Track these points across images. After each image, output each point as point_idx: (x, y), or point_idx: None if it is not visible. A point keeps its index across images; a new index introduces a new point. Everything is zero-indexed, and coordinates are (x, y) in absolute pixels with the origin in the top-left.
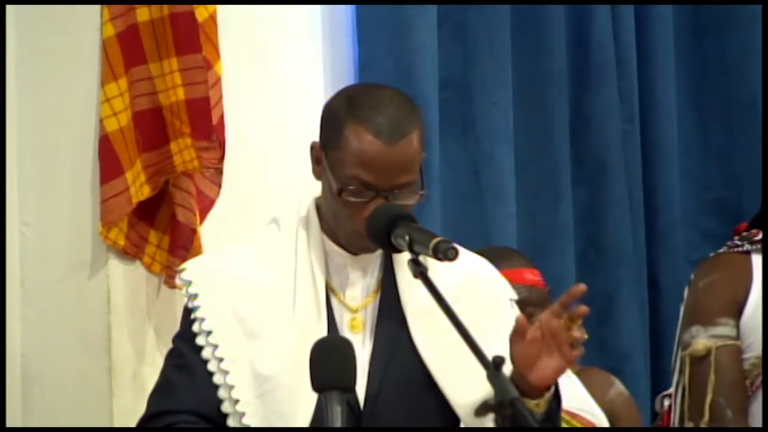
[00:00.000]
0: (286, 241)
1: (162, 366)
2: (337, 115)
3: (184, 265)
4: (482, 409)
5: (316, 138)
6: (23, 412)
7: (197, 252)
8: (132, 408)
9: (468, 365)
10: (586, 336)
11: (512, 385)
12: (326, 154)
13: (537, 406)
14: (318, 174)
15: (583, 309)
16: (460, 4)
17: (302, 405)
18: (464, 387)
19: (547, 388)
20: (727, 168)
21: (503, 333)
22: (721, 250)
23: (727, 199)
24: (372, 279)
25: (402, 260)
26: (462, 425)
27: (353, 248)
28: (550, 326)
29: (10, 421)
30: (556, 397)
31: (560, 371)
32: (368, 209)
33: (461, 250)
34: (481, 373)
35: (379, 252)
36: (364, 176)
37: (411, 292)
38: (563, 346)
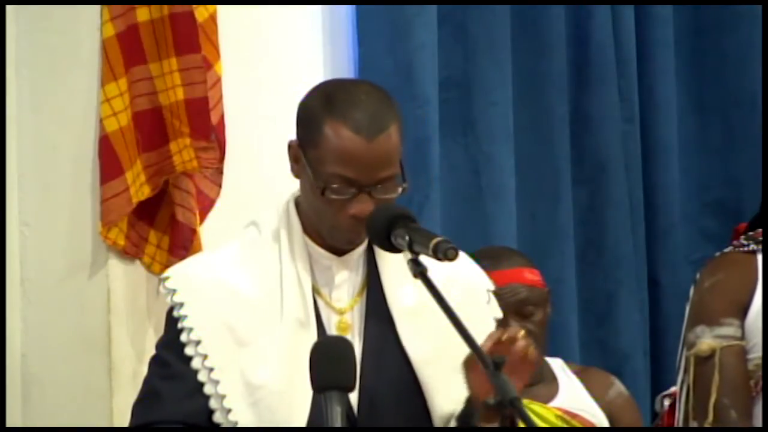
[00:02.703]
0: (268, 245)
1: (146, 375)
2: (314, 113)
3: (167, 273)
4: (481, 409)
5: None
6: (23, 412)
7: (197, 252)
8: (131, 408)
9: (453, 365)
10: (532, 350)
11: (512, 385)
12: (305, 153)
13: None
14: (297, 172)
15: (513, 330)
16: (460, 4)
17: (296, 411)
18: (445, 394)
19: None
20: (727, 168)
21: (484, 325)
22: (727, 250)
23: (727, 199)
24: (357, 279)
25: (386, 259)
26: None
27: (338, 244)
28: (498, 349)
29: (10, 421)
30: None
31: (519, 389)
32: (351, 206)
33: None
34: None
35: (362, 251)
36: (346, 173)
37: (397, 291)
38: (516, 364)
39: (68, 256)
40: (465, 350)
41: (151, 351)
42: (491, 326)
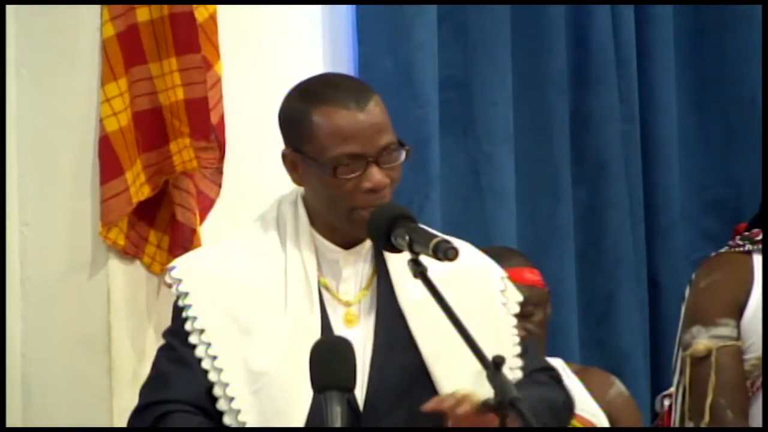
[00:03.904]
0: (274, 237)
1: (153, 361)
2: (298, 110)
3: (173, 263)
4: (482, 409)
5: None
6: (23, 412)
7: None
8: (132, 408)
9: (462, 359)
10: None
11: (512, 384)
12: (302, 152)
13: None
14: (298, 179)
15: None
16: (460, 4)
17: (298, 400)
18: (455, 384)
19: None
20: (727, 168)
21: (504, 313)
22: (723, 250)
23: (727, 199)
24: (365, 272)
25: (393, 254)
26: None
27: (356, 230)
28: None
29: (10, 421)
30: None
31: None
32: (364, 181)
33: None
34: (475, 367)
35: (369, 245)
36: (350, 149)
37: (405, 285)
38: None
39: (68, 256)
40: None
41: (151, 351)
42: (513, 311)
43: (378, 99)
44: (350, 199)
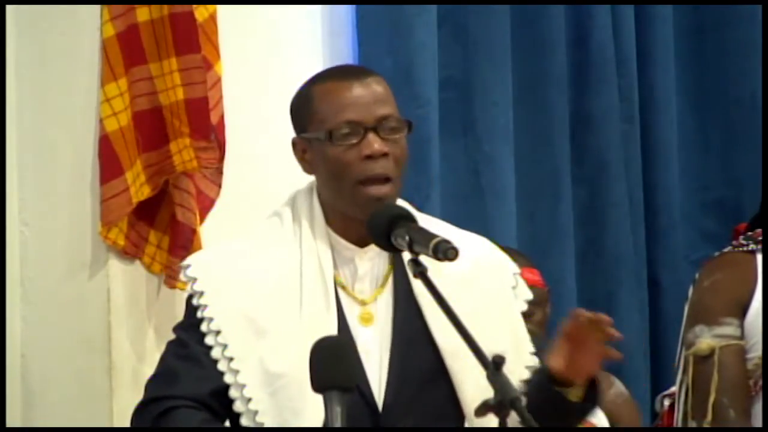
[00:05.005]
0: (289, 236)
1: (161, 355)
2: (302, 95)
3: (187, 261)
4: (482, 409)
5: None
6: (23, 412)
7: (197, 252)
8: (132, 408)
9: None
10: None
11: (512, 385)
12: (307, 132)
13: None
14: (307, 167)
15: (604, 317)
16: (460, 4)
17: (316, 401)
18: (474, 382)
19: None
20: (727, 168)
21: (513, 309)
22: (726, 250)
23: (727, 199)
24: (380, 270)
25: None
26: (466, 421)
27: (363, 207)
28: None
29: (10, 421)
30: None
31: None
32: (363, 148)
33: (460, 231)
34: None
35: None
36: (348, 116)
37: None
38: (592, 350)
39: (68, 256)
40: (492, 339)
41: (152, 351)
42: (522, 309)
43: (381, 79)
44: (351, 171)
